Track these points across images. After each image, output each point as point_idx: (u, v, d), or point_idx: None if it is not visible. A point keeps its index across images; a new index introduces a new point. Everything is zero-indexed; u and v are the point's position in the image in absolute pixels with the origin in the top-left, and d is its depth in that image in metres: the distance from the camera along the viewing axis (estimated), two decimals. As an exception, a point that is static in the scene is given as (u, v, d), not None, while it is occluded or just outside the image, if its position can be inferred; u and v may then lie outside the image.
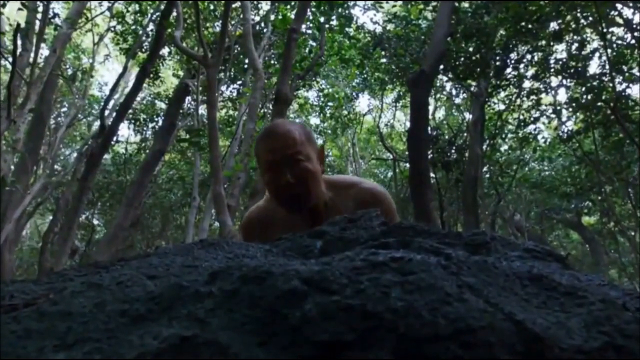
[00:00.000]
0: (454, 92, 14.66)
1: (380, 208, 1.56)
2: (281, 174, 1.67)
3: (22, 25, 8.37)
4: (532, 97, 11.90)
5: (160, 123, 13.19)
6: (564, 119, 13.21)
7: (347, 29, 11.76)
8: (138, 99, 14.04)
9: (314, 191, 1.74)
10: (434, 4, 10.92)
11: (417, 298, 0.42)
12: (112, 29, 12.75)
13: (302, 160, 1.70)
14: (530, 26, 9.82)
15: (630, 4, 9.53)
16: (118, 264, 0.73)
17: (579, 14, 9.87)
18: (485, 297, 0.45)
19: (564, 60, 10.80)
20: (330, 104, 16.24)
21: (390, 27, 12.31)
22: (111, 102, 13.48)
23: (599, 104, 10.21)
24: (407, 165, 11.49)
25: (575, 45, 10.68)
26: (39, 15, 9.31)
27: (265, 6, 12.28)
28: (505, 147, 15.60)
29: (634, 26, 9.58)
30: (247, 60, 10.93)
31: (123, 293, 0.52)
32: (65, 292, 0.55)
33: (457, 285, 0.46)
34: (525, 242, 0.67)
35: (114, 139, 12.27)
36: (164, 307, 0.46)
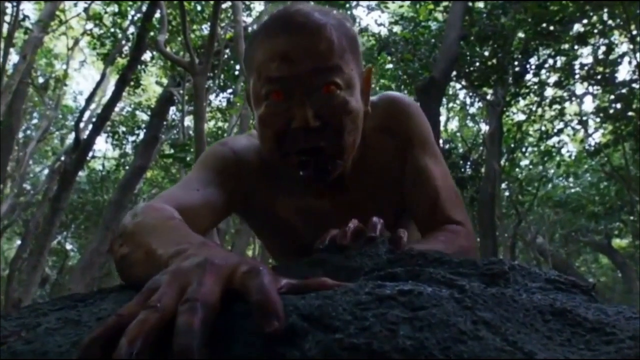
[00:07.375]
0: (468, 100, 14.70)
1: (408, 126, 1.21)
2: (296, 106, 0.98)
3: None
4: (555, 106, 11.94)
5: (141, 136, 13.20)
6: (590, 130, 13.24)
7: (349, 31, 11.79)
8: (117, 109, 14.09)
9: (349, 149, 1.04)
10: (445, 3, 11.01)
11: (427, 336, 0.43)
12: (89, 32, 12.80)
13: (340, 88, 1.00)
14: (552, 28, 9.88)
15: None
16: (97, 296, 0.74)
17: (605, 15, 9.94)
18: (503, 335, 0.45)
19: (590, 65, 10.86)
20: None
21: (396, 29, 12.38)
22: (87, 113, 13.50)
23: (630, 113, 10.24)
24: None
25: (602, 48, 10.74)
26: (7, 18, 9.37)
27: (258, 6, 12.37)
28: (526, 161, 15.63)
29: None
30: (238, 67, 10.98)
31: (103, 330, 0.52)
32: (39, 329, 0.56)
33: (472, 321, 0.46)
34: (548, 272, 0.68)
35: (90, 154, 12.29)
36: (148, 346, 0.47)
